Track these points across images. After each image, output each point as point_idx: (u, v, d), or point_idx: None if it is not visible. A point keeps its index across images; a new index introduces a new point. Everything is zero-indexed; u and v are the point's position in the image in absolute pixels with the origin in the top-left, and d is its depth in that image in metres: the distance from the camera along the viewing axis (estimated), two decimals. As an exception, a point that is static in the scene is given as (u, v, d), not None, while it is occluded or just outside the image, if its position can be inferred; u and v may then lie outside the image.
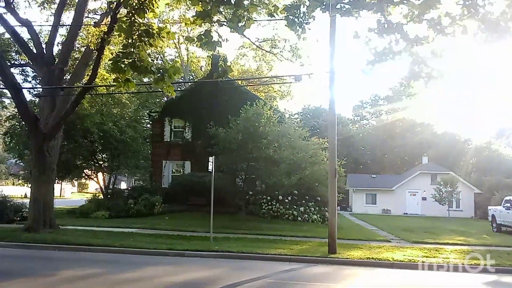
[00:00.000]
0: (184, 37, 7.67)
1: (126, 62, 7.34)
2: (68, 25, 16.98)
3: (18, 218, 18.94)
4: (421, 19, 9.63)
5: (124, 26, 7.11)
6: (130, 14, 7.04)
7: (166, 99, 32.07)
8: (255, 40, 15.67)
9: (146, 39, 7.40)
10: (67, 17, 21.24)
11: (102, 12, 18.82)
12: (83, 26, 16.69)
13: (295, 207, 22.54)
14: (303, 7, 9.61)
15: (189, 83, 27.99)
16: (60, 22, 16.95)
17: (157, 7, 7.12)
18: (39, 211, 15.36)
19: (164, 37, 7.47)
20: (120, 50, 7.55)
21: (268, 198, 22.58)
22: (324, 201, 23.48)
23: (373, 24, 10.10)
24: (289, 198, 22.54)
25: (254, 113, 19.55)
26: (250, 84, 29.47)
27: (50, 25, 17.10)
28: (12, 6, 16.71)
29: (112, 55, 18.25)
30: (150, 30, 7.25)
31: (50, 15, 19.89)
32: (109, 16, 16.08)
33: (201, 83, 26.60)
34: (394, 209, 43.07)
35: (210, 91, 24.88)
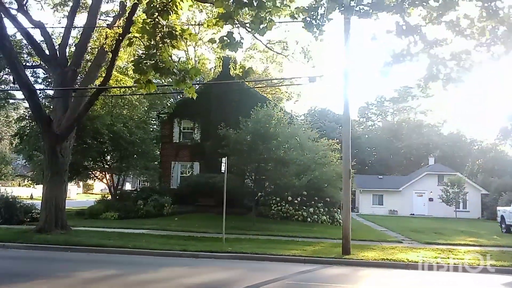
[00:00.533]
0: (208, 40, 7.67)
1: (149, 64, 7.35)
2: (81, 27, 17.04)
3: (28, 219, 18.92)
4: (440, 21, 9.64)
5: (147, 28, 7.12)
6: (154, 16, 7.05)
7: (172, 100, 32.10)
8: (266, 42, 15.76)
9: (169, 40, 7.41)
10: (80, 19, 21.36)
11: (114, 14, 18.87)
12: (96, 28, 16.73)
13: (304, 208, 22.53)
14: (321, 9, 9.63)
15: (200, 84, 27.98)
16: (73, 24, 16.99)
17: (181, 9, 7.12)
18: (51, 212, 15.37)
19: (186, 39, 7.48)
20: (143, 52, 7.57)
21: (278, 199, 22.58)
22: (333, 202, 23.53)
23: (388, 26, 10.05)
24: (299, 199, 22.52)
25: (265, 114, 19.58)
26: (257, 86, 29.46)
27: (62, 27, 17.18)
28: (25, 8, 16.78)
29: (128, 56, 18.41)
30: (173, 31, 7.25)
31: (63, 17, 20.01)
32: (122, 18, 16.16)
33: (210, 85, 26.63)
34: (400, 210, 43.00)
35: (219, 92, 24.90)
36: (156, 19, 7.11)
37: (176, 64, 7.95)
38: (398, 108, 65.94)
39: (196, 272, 10.19)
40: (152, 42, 7.38)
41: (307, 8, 9.38)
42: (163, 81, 20.52)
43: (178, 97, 32.47)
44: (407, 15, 9.43)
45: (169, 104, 28.48)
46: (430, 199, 42.94)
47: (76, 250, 12.77)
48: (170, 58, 7.65)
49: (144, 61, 7.40)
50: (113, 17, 18.42)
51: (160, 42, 7.37)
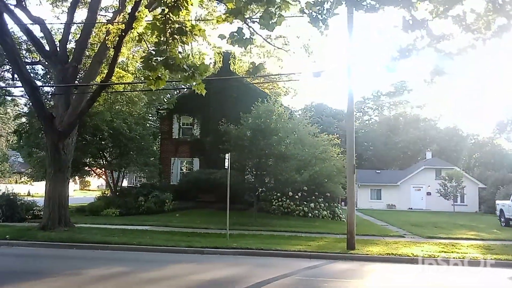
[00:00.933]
0: (218, 35, 7.55)
1: (159, 60, 7.29)
2: (82, 22, 16.90)
3: (30, 217, 18.92)
4: (446, 15, 9.62)
5: (157, 24, 7.05)
6: (165, 12, 6.98)
7: (169, 96, 31.95)
8: (266, 36, 15.60)
9: (178, 36, 7.34)
10: (79, 15, 21.17)
11: (114, 9, 18.73)
12: (97, 24, 16.59)
13: (305, 203, 22.57)
14: (327, 3, 9.58)
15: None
16: (73, 20, 16.84)
17: (191, 4, 7.05)
18: (54, 209, 15.34)
19: (196, 35, 7.42)
20: (152, 48, 7.51)
21: (279, 194, 22.60)
22: (333, 197, 23.61)
23: (392, 21, 10.01)
24: (299, 194, 22.56)
25: (265, 109, 19.55)
26: (255, 82, 29.45)
27: (62, 23, 17.03)
28: (24, 4, 16.60)
29: (128, 52, 18.28)
30: (184, 27, 7.19)
31: (61, 13, 19.86)
32: (122, 13, 16.05)
33: (209, 80, 26.51)
34: (398, 204, 43.22)
35: (218, 88, 24.80)
36: (167, 15, 7.04)
37: (185, 60, 7.90)
38: (395, 102, 66.13)
39: (204, 269, 10.19)
40: (162, 39, 7.31)
41: (313, 2, 9.33)
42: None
43: (175, 92, 32.32)
44: (414, 9, 9.39)
45: (166, 100, 28.38)
46: (428, 193, 43.18)
47: (81, 247, 12.77)
48: (179, 54, 7.61)
49: (154, 58, 7.34)
50: (112, 12, 18.29)
51: (170, 38, 7.31)
